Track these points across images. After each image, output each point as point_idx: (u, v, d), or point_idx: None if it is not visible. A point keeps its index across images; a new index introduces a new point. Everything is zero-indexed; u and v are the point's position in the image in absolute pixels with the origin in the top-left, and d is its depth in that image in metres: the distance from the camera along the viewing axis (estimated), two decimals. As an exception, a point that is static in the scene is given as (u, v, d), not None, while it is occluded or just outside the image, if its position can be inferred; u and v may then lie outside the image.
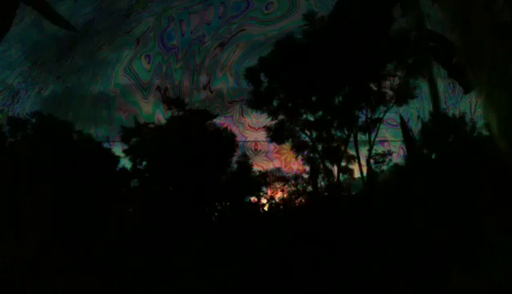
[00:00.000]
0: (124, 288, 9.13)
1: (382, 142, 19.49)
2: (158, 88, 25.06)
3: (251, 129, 23.31)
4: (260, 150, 22.14)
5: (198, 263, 10.27)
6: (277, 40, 19.09)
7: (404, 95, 18.35)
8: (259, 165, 21.92)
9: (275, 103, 19.64)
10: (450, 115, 18.63)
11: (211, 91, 25.78)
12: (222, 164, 19.93)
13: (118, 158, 19.62)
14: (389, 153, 19.04)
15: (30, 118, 18.28)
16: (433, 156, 18.14)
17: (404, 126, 17.31)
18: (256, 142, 22.25)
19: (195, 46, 26.88)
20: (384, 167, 18.81)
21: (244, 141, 21.61)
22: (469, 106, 18.13)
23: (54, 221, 11.64)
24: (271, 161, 22.40)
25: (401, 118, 17.99)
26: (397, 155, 19.23)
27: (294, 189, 19.94)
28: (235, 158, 20.44)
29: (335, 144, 19.18)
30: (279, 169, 20.96)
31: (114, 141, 20.07)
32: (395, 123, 19.89)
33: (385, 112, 18.88)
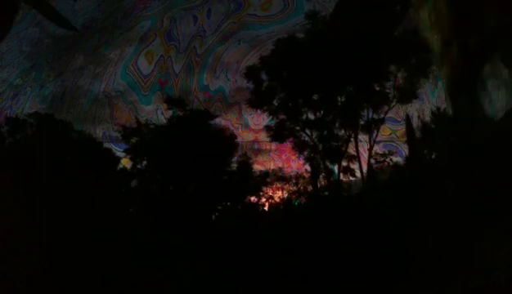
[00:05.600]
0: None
1: (387, 144, 19.61)
2: (159, 88, 25.20)
3: (251, 129, 23.41)
4: (261, 150, 22.21)
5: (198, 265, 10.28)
6: (279, 38, 19.17)
7: (407, 95, 18.38)
8: (260, 164, 21.93)
9: (275, 102, 19.65)
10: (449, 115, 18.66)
11: (211, 92, 25.91)
12: (222, 164, 19.92)
13: (118, 158, 19.65)
14: (390, 153, 19.05)
15: (30, 117, 18.30)
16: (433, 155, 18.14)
17: (409, 125, 17.34)
18: (257, 142, 22.32)
19: (195, 44, 26.95)
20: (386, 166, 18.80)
21: (243, 140, 21.65)
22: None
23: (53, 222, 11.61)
24: (272, 160, 22.47)
25: (407, 117, 18.07)
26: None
27: (294, 188, 19.93)
28: (235, 158, 20.48)
29: (336, 144, 19.17)
30: (280, 168, 21.00)
31: (115, 141, 20.11)
32: (397, 123, 20.03)
33: (386, 112, 18.93)
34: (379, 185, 17.02)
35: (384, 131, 20.04)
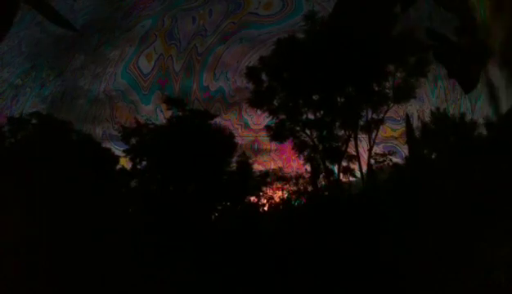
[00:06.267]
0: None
1: (387, 146, 19.61)
2: (159, 87, 25.21)
3: (251, 129, 23.40)
4: (261, 150, 22.20)
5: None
6: (279, 39, 19.15)
7: (404, 95, 18.40)
8: (260, 164, 21.91)
9: (275, 102, 19.64)
10: (449, 115, 18.69)
11: (211, 92, 25.91)
12: (222, 164, 19.90)
13: (118, 158, 19.62)
14: (390, 153, 19.01)
15: (30, 117, 18.27)
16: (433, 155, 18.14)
17: (409, 125, 17.26)
18: (257, 142, 22.31)
19: (195, 44, 26.92)
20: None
21: (243, 140, 21.64)
22: (469, 106, 18.18)
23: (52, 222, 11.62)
24: (273, 160, 22.43)
25: (406, 117, 18.07)
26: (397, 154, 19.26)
27: (294, 188, 19.92)
28: (235, 158, 20.45)
29: (336, 144, 19.15)
30: (280, 168, 20.98)
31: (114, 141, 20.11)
32: (397, 122, 20.05)
33: (385, 112, 18.93)
34: (379, 185, 17.03)
35: (384, 131, 20.04)
